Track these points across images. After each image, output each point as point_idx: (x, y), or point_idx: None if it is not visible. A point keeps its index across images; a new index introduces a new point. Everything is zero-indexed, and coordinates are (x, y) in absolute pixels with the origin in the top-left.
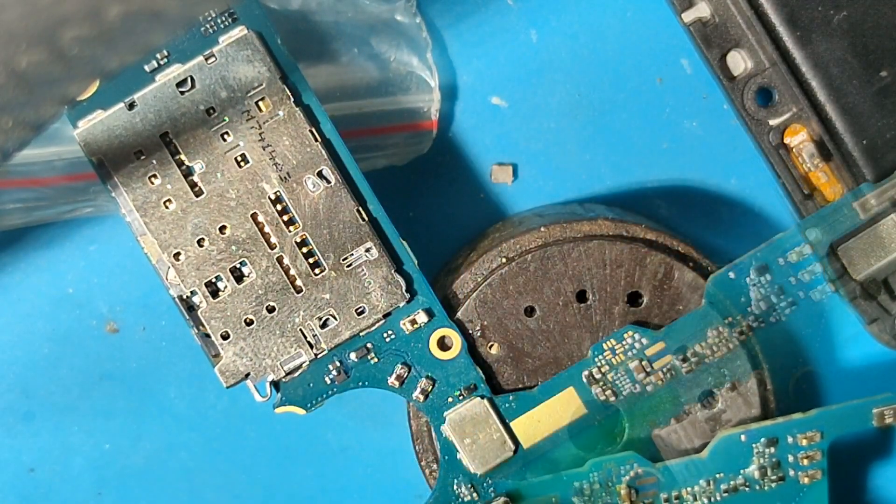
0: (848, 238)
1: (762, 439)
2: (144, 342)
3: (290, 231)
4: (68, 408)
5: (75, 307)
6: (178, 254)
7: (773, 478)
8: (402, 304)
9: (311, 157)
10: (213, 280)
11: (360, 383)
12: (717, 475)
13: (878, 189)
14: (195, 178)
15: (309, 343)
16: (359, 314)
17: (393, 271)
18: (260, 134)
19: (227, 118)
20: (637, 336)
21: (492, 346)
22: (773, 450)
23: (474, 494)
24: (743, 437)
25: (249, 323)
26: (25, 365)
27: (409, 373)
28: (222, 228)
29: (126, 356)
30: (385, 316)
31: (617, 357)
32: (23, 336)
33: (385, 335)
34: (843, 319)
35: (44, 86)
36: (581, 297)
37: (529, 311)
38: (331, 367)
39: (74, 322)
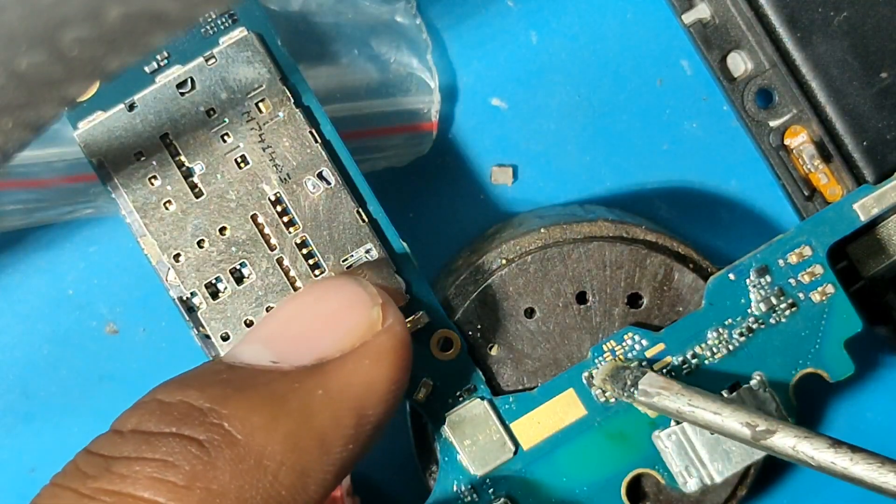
0: (854, 237)
1: (751, 271)
2: (144, 343)
3: (290, 232)
4: (68, 409)
5: (75, 308)
6: (178, 255)
7: (784, 307)
8: (402, 306)
9: (312, 158)
10: (213, 281)
11: None
12: (726, 321)
13: (877, 191)
14: (195, 179)
15: None
16: None
17: (393, 272)
18: (260, 135)
19: (227, 119)
20: (637, 337)
21: (492, 347)
22: (768, 279)
23: (474, 495)
24: (731, 276)
25: (249, 324)
26: (25, 366)
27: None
28: (222, 229)
29: (126, 357)
30: None
31: (617, 358)
32: (23, 337)
33: None
34: (843, 320)
35: (44, 87)
36: (581, 298)
37: (529, 313)
38: None
39: (74, 323)
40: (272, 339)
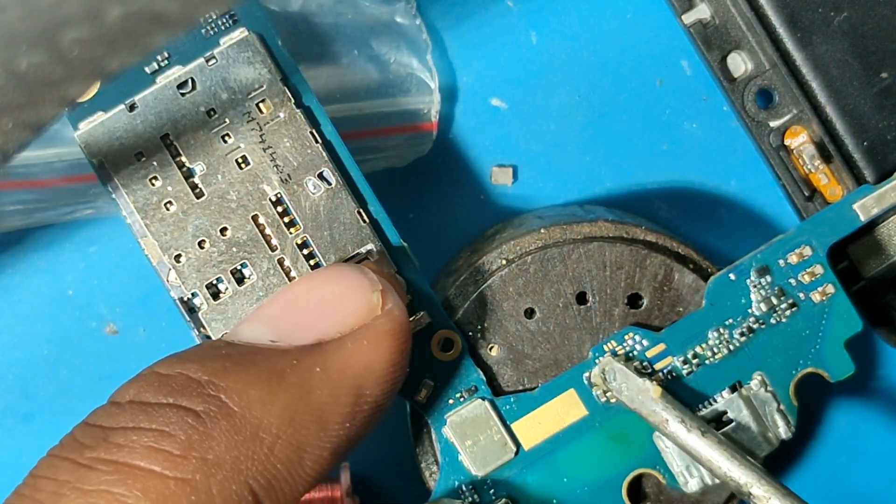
0: (854, 238)
1: (752, 272)
2: (144, 344)
3: (290, 233)
4: (68, 409)
5: (75, 309)
6: (178, 255)
7: (784, 307)
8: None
9: (312, 158)
10: (214, 282)
11: None
12: (727, 321)
13: (877, 191)
14: (196, 179)
15: None
16: None
17: (394, 272)
18: (261, 135)
19: (227, 120)
20: (638, 337)
21: (492, 347)
22: (768, 279)
23: (475, 496)
24: (732, 276)
25: None
26: (25, 366)
27: (409, 374)
28: (223, 230)
29: (126, 357)
30: None
31: (618, 359)
32: (23, 337)
33: None
34: (843, 320)
35: (44, 87)
36: (581, 298)
37: (529, 313)
38: None
39: (74, 324)
40: (273, 319)
